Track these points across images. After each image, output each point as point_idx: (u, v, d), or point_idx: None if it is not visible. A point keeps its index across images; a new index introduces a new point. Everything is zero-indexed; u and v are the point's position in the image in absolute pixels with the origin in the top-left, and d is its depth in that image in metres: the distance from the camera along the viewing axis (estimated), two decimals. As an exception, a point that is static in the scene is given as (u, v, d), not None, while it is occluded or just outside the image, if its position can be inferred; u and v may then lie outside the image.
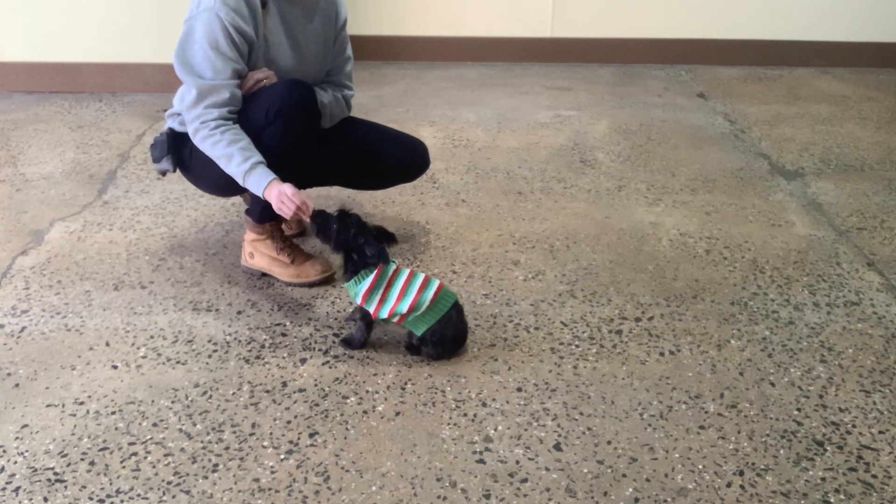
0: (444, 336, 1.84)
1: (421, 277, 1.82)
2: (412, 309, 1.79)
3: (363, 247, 1.81)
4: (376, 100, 3.86)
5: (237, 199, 2.67)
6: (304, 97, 2.00)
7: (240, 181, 1.93)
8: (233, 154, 1.91)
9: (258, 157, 1.93)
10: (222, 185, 2.21)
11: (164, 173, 2.20)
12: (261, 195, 1.92)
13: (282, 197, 1.88)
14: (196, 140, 1.97)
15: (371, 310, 1.83)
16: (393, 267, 1.84)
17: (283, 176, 2.10)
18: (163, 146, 2.14)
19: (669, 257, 2.38)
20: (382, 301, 1.81)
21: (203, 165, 2.07)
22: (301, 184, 2.40)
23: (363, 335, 1.91)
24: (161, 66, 3.81)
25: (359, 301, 1.83)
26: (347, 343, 1.92)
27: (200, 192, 2.73)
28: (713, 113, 3.75)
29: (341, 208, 1.88)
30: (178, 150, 2.15)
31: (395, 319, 1.83)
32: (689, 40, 4.56)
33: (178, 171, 2.20)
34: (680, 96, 4.01)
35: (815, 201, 2.80)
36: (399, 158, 2.31)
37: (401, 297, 1.80)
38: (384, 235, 1.87)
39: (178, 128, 2.13)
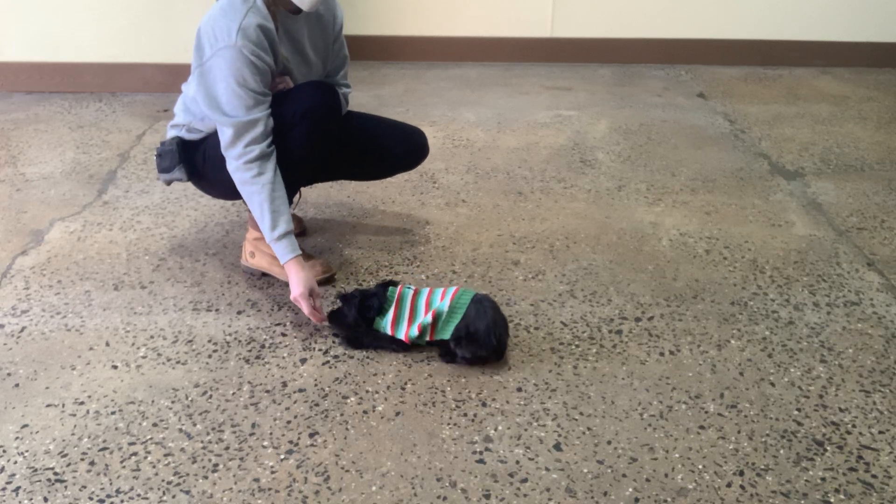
0: (477, 331, 1.78)
1: (440, 291, 1.86)
2: (435, 318, 1.81)
3: (373, 298, 1.87)
4: (376, 100, 3.86)
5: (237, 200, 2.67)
6: (329, 99, 2.03)
7: (266, 234, 1.96)
8: (264, 214, 1.93)
9: (286, 224, 1.94)
10: (237, 190, 2.21)
11: (170, 182, 2.18)
12: (280, 260, 1.97)
13: (298, 300, 1.93)
14: (235, 179, 1.96)
15: (402, 336, 1.85)
16: (410, 292, 1.87)
17: (306, 175, 2.11)
18: (173, 156, 2.10)
19: (669, 257, 2.38)
20: (410, 322, 1.84)
21: (216, 169, 2.05)
22: (310, 181, 2.40)
23: (372, 344, 1.90)
24: (161, 66, 3.81)
25: (389, 332, 1.86)
26: (350, 342, 1.92)
27: (201, 193, 2.73)
28: (713, 113, 3.75)
29: (341, 296, 1.92)
30: (189, 159, 2.12)
31: (427, 336, 1.84)
32: (689, 40, 4.56)
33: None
34: (680, 96, 4.01)
35: (815, 201, 2.80)
36: (398, 145, 2.34)
37: (426, 309, 1.82)
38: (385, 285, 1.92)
39: (185, 136, 2.11)
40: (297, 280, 1.93)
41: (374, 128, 2.33)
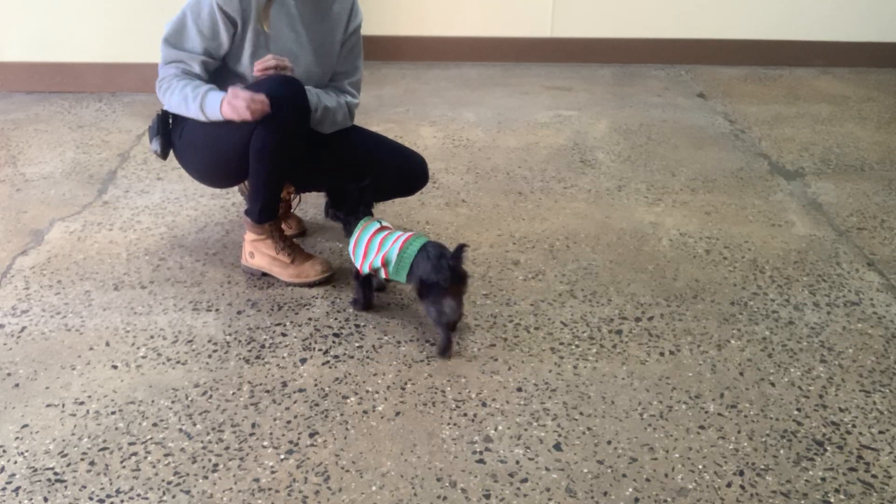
0: (430, 281, 1.82)
1: (397, 233, 1.93)
2: (385, 262, 1.89)
3: (359, 209, 2.01)
4: (376, 100, 3.86)
5: (238, 199, 2.67)
6: (294, 94, 1.96)
7: (201, 116, 1.98)
8: (187, 94, 1.98)
9: (209, 85, 1.99)
10: (207, 173, 2.23)
11: (157, 154, 2.21)
12: (221, 117, 1.95)
13: (232, 102, 1.90)
14: (163, 100, 2.05)
15: (357, 265, 1.97)
16: (376, 226, 1.97)
17: (279, 176, 2.10)
18: (154, 126, 2.18)
19: (669, 257, 2.39)
20: (365, 256, 1.94)
21: (188, 151, 2.13)
22: (301, 187, 2.40)
23: (360, 294, 2.05)
24: (161, 66, 3.81)
25: (351, 255, 2.01)
26: (354, 303, 2.08)
27: (201, 192, 2.74)
28: (713, 113, 3.75)
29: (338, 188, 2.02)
30: (167, 133, 2.17)
31: (382, 274, 1.93)
32: (689, 40, 4.56)
33: (170, 154, 2.21)
34: (680, 96, 4.01)
35: (815, 201, 2.80)
36: (398, 170, 2.27)
37: (377, 251, 1.91)
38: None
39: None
40: (228, 93, 1.93)
41: (374, 149, 2.27)
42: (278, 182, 2.13)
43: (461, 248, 1.81)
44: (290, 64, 1.99)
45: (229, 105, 1.90)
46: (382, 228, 1.96)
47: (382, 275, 1.93)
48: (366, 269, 1.96)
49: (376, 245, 1.92)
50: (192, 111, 1.98)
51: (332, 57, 2.17)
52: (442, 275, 1.80)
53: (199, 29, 1.99)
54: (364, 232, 1.97)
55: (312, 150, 2.21)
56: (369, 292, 2.05)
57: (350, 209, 2.02)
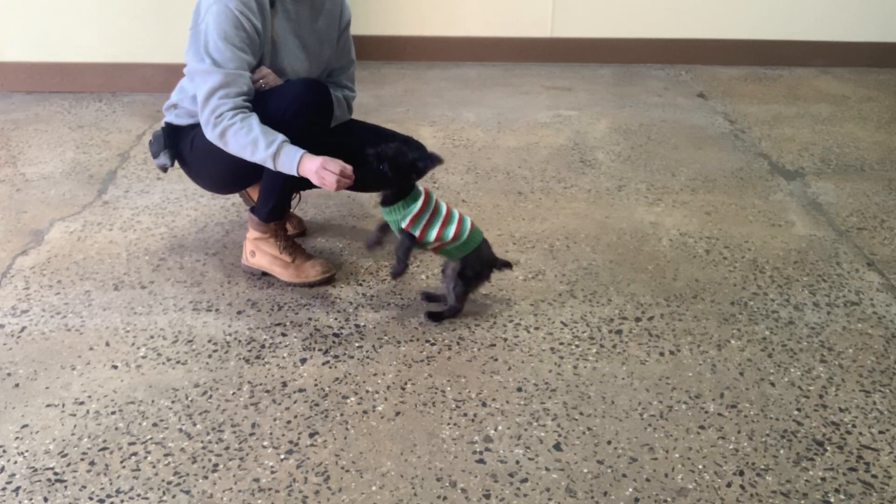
0: (483, 268, 2.00)
1: (458, 211, 1.97)
2: (456, 236, 1.92)
3: (415, 164, 1.89)
4: (376, 100, 3.86)
5: (237, 199, 2.67)
6: (321, 96, 2.01)
7: (270, 166, 1.91)
8: (257, 139, 1.89)
9: (280, 136, 1.90)
10: (222, 180, 2.21)
11: (164, 169, 2.20)
12: (296, 174, 1.90)
13: (321, 174, 1.87)
14: (214, 135, 1.93)
15: (417, 233, 1.92)
16: (435, 196, 1.97)
17: (296, 179, 2.10)
18: (160, 140, 2.14)
19: (669, 257, 2.39)
20: (428, 225, 1.92)
21: (202, 160, 2.09)
22: (304, 184, 2.40)
23: (404, 261, 1.94)
24: (161, 66, 3.81)
25: (405, 224, 1.90)
26: (395, 273, 1.95)
27: (201, 192, 2.73)
28: (713, 113, 3.75)
29: (375, 152, 1.89)
30: (175, 145, 2.15)
31: (436, 245, 1.94)
32: (689, 40, 4.56)
33: (177, 165, 2.20)
34: (680, 96, 4.01)
35: (815, 201, 2.80)
36: None
37: (445, 224, 1.92)
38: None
39: (175, 121, 2.14)
40: (315, 165, 1.87)
41: (374, 140, 2.28)
42: (293, 184, 2.14)
43: (509, 265, 2.07)
44: (270, 78, 2.02)
45: (318, 175, 1.86)
46: (437, 200, 1.97)
47: (436, 246, 1.94)
48: (430, 237, 1.91)
49: (443, 215, 1.92)
50: (257, 159, 1.91)
51: (330, 55, 2.18)
52: (487, 274, 2.03)
53: (231, 44, 1.92)
54: (430, 202, 1.92)
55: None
56: (409, 258, 2.00)
57: (403, 174, 1.89)
